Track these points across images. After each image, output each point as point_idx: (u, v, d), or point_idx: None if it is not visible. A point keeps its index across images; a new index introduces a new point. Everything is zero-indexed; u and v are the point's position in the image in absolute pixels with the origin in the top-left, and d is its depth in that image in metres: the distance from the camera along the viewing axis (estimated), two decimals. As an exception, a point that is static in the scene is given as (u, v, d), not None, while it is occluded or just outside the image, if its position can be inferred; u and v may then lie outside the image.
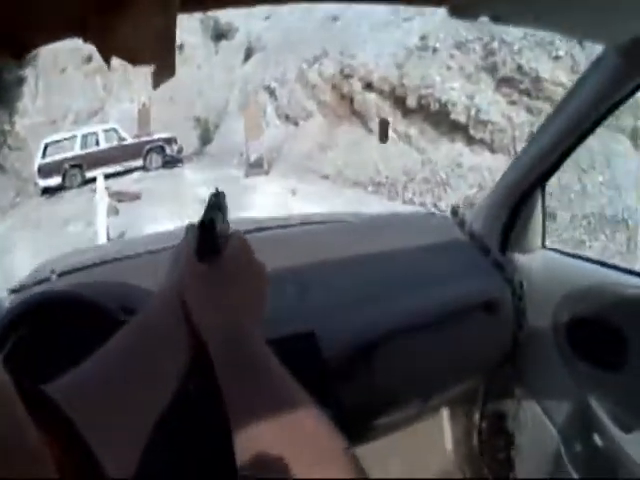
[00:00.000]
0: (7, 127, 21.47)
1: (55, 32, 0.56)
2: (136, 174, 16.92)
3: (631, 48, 0.90)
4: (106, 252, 1.57)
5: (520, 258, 1.36)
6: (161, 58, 0.53)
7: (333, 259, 1.33)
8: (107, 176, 16.50)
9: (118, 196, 12.60)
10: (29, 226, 11.87)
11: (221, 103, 19.82)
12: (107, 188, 12.08)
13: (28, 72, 22.42)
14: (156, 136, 17.95)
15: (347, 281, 1.27)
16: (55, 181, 16.76)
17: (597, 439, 1.14)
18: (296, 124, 14.91)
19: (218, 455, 0.69)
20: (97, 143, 17.45)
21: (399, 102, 11.16)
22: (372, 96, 11.91)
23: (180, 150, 18.19)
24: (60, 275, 1.38)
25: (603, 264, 1.21)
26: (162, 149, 17.70)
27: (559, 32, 0.95)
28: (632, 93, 1.00)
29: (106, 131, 17.91)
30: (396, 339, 1.17)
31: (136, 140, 17.84)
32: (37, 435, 0.31)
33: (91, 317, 0.89)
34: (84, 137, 17.38)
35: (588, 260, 1.26)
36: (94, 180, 14.55)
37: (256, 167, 13.81)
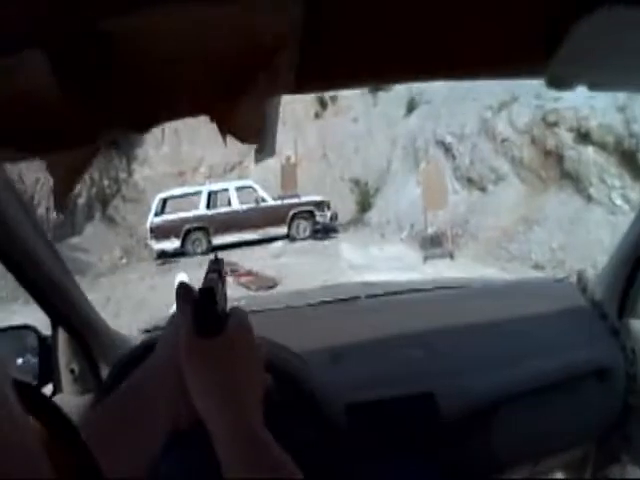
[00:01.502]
0: (123, 175, 18.33)
1: (182, 111, 0.60)
2: (276, 245, 13.59)
3: None
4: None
5: (635, 324, 1.37)
6: (266, 138, 0.60)
7: (460, 324, 1.39)
8: (237, 245, 12.10)
9: (245, 280, 9.09)
10: (128, 300, 9.11)
11: (382, 162, 16.78)
12: (233, 266, 9.07)
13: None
14: (304, 199, 14.76)
15: (471, 345, 1.33)
16: (172, 245, 13.85)
17: None
18: (483, 190, 11.69)
19: None
20: (229, 203, 14.44)
21: (627, 158, 8.45)
22: (589, 151, 9.15)
23: (334, 217, 14.85)
24: None
25: None
26: (311, 215, 14.35)
27: None
28: None
29: (240, 189, 14.61)
30: (513, 403, 1.21)
31: (279, 202, 14.48)
32: (36, 436, 0.34)
33: None
34: (213, 194, 14.44)
35: None
36: (222, 248, 11.81)
37: (435, 246, 10.62)
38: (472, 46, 0.60)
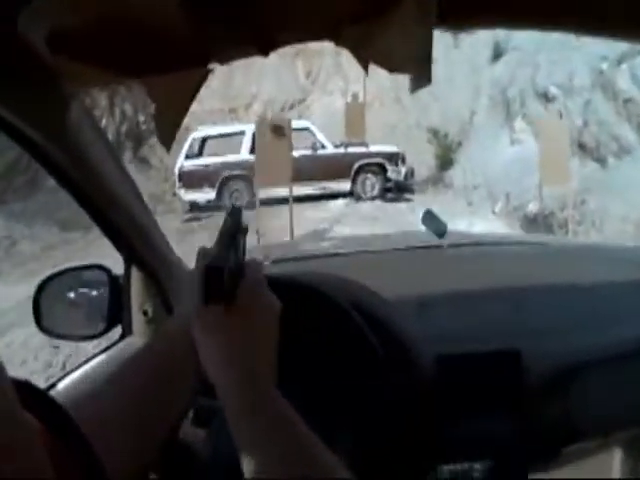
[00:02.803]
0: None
1: (307, 34, 0.59)
2: (336, 204, 10.80)
3: None
4: (317, 247, 1.87)
5: None
6: (420, 67, 0.55)
7: (545, 283, 1.38)
8: (287, 200, 9.63)
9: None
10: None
11: (464, 113, 13.90)
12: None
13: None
14: (373, 148, 11.62)
15: (556, 306, 1.31)
16: (205, 195, 11.26)
17: None
18: (601, 162, 9.34)
19: None
20: None
21: None
22: None
23: (409, 174, 11.85)
24: (274, 262, 1.49)
25: None
26: (382, 169, 11.40)
27: None
28: None
29: (295, 130, 11.34)
30: (594, 369, 1.17)
31: (342, 151, 11.53)
32: (36, 436, 0.35)
33: (321, 307, 0.95)
34: None
35: None
36: (268, 202, 9.08)
37: (543, 230, 8.18)
38: None
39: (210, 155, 11.41)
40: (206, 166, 11.04)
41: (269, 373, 0.56)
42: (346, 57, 15.39)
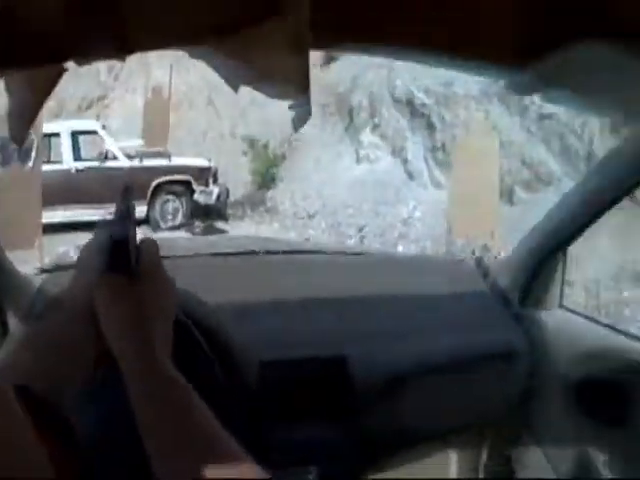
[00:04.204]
0: None
1: (166, 39, 0.57)
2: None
3: None
4: None
5: (537, 314, 1.44)
6: (299, 91, 0.55)
7: (367, 292, 1.41)
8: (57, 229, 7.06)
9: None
10: None
11: (288, 122, 10.97)
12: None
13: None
14: (177, 161, 9.32)
15: (378, 316, 1.35)
16: None
17: None
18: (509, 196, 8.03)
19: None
20: (60, 159, 8.83)
21: None
22: None
23: (223, 194, 9.61)
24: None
25: (613, 329, 1.35)
26: (187, 189, 9.20)
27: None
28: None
29: (76, 134, 9.22)
30: (419, 376, 1.24)
31: (136, 163, 9.02)
32: (36, 436, 0.35)
33: None
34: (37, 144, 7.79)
35: (600, 324, 1.39)
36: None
37: None
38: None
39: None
40: None
41: (168, 344, 0.58)
42: (154, 53, 12.80)
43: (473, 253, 4.68)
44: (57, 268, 1.43)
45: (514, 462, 1.52)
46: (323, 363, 1.15)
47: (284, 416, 1.11)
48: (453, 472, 1.57)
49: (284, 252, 1.72)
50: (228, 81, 0.54)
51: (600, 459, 1.25)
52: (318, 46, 0.59)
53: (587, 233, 1.29)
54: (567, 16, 0.57)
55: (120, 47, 0.52)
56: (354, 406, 1.15)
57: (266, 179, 11.10)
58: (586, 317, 1.44)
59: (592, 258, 5.51)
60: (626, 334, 1.30)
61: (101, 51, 0.53)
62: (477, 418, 1.42)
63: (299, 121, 0.59)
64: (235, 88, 0.55)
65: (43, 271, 1.39)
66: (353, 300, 1.37)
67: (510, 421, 1.47)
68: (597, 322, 1.40)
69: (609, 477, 1.23)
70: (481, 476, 1.57)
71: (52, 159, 8.81)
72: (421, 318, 1.37)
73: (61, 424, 0.43)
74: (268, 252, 1.62)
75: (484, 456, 1.56)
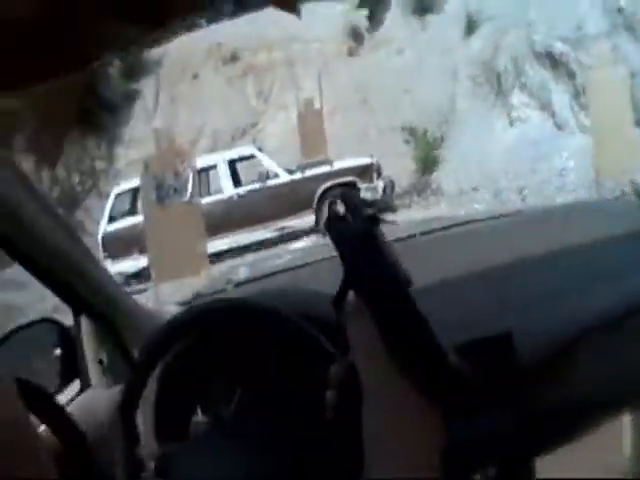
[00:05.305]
0: (101, 164, 13.56)
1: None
2: (297, 248, 7.75)
3: None
4: (281, 263, 1.81)
5: None
6: None
7: (524, 256, 1.31)
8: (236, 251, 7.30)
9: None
10: None
11: (443, 102, 11.89)
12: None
13: (144, 84, 14.89)
14: (340, 165, 9.23)
15: (541, 278, 1.24)
16: (135, 263, 8.46)
17: None
18: None
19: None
20: (220, 189, 9.18)
21: None
22: None
23: (388, 188, 9.46)
24: (237, 285, 1.51)
25: None
26: (353, 188, 8.83)
27: None
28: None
29: (236, 162, 9.52)
30: (592, 337, 1.12)
31: (298, 176, 9.19)
32: (37, 435, 0.35)
33: (267, 324, 0.96)
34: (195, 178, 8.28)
35: None
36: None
37: None
38: None
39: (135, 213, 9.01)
40: (133, 227, 8.39)
41: None
42: (302, 63, 13.46)
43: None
44: (198, 296, 1.46)
45: None
46: (485, 344, 1.04)
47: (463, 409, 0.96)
48: (627, 441, 1.44)
49: (438, 230, 1.70)
50: None
51: None
52: None
53: None
54: None
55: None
56: (523, 386, 1.05)
57: (428, 163, 11.14)
58: None
59: None
60: None
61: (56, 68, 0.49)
62: None
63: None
64: None
65: (183, 304, 1.39)
66: (513, 267, 1.26)
67: None
68: None
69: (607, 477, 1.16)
70: None
71: (212, 191, 9.31)
72: (588, 270, 1.23)
73: (63, 421, 0.45)
74: (423, 233, 1.61)
75: None
